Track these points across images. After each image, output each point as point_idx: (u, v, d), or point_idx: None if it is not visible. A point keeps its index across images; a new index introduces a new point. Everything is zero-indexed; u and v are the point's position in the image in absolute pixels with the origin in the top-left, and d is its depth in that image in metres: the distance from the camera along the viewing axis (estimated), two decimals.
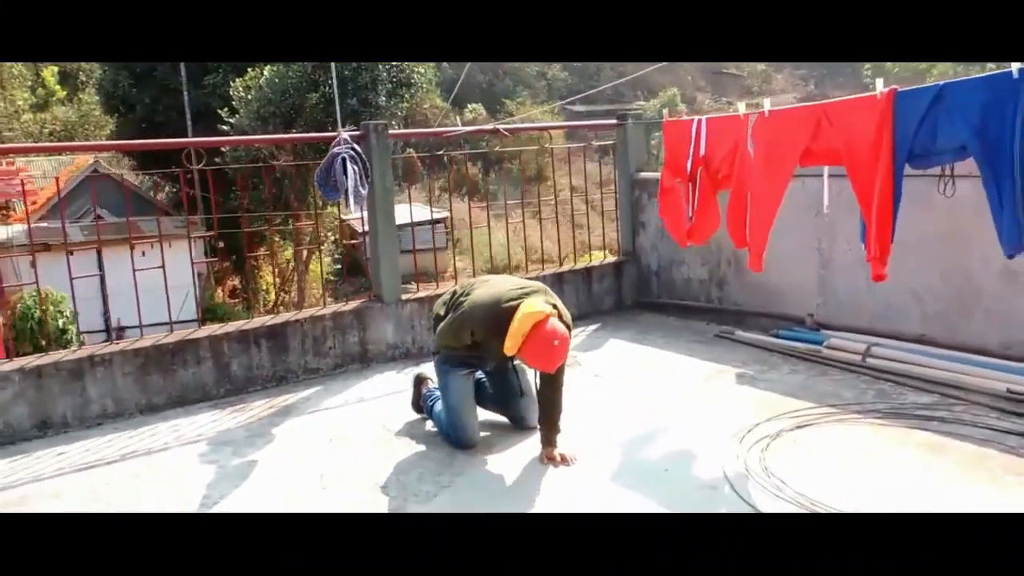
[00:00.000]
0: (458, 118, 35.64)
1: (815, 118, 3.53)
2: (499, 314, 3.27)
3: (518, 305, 3.24)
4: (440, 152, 8.20)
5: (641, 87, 40.12)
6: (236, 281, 24.33)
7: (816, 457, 3.27)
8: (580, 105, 35.49)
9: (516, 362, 3.62)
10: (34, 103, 28.70)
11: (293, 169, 16.87)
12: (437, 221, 22.53)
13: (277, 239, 21.03)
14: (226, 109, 18.59)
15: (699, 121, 4.26)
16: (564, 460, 3.34)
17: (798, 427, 3.61)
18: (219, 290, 23.68)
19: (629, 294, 6.09)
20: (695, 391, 4.20)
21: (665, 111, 4.35)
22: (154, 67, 20.33)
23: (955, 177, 3.30)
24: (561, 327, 3.18)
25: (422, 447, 3.61)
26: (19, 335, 14.20)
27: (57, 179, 13.94)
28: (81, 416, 4.05)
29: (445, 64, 36.26)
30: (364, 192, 4.41)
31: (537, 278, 5.55)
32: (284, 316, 4.75)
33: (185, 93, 20.30)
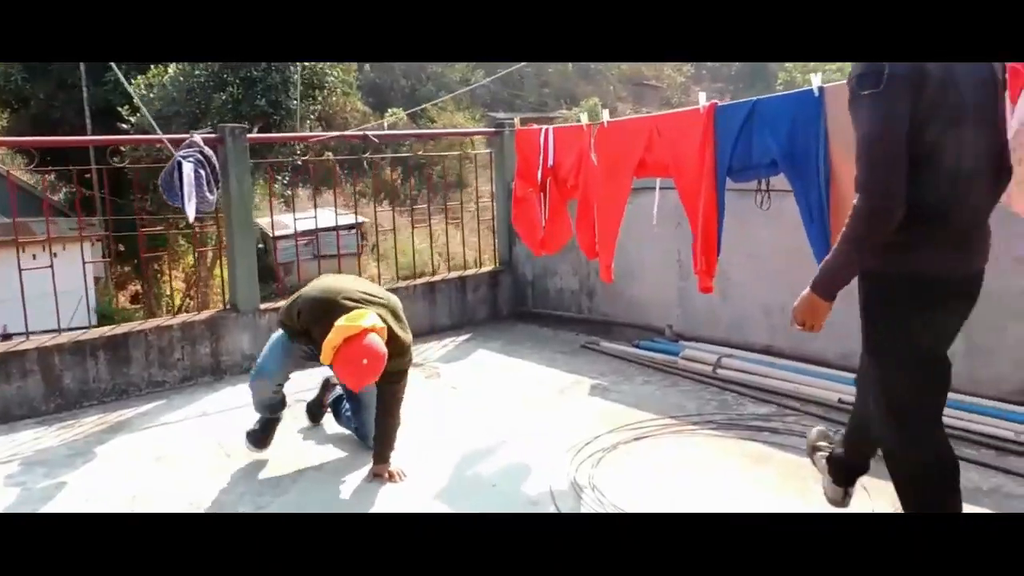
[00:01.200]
0: (384, 121, 35.23)
1: (648, 130, 3.54)
2: (327, 307, 3.13)
3: (349, 310, 3.09)
4: (359, 156, 8.04)
5: (564, 96, 40.49)
6: (138, 286, 23.45)
7: (644, 470, 3.26)
8: (503, 113, 35.59)
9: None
10: None
11: None
12: (352, 226, 22.21)
13: (181, 242, 20.39)
14: (126, 107, 17.92)
15: (547, 131, 4.25)
16: (392, 477, 3.24)
17: (636, 439, 3.61)
18: (119, 295, 22.78)
19: (505, 304, 6.05)
20: (546, 403, 4.16)
21: (584, 116, 4.30)
22: (52, 62, 19.46)
23: (771, 191, 3.35)
24: (376, 346, 2.99)
25: (252, 466, 3.46)
26: None
27: None
28: None
29: (367, 66, 35.90)
30: (212, 197, 4.23)
31: (408, 288, 5.48)
32: (126, 326, 4.53)
33: (84, 89, 19.48)
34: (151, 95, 17.17)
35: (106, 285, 21.33)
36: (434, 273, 5.88)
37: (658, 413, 3.89)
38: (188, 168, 3.89)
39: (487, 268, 6.08)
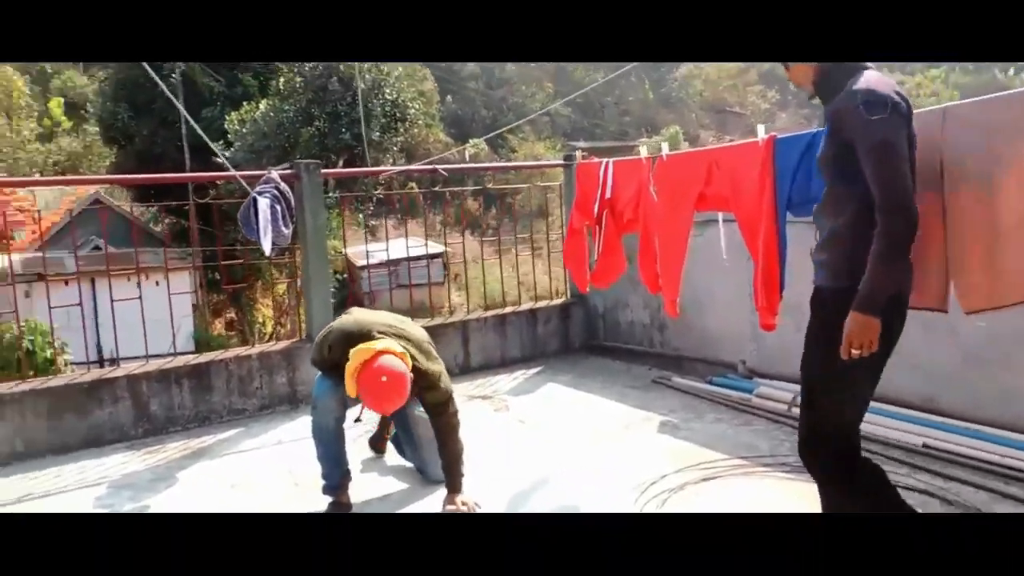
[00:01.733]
0: (466, 151, 35.89)
1: (707, 163, 3.50)
2: (353, 339, 3.14)
3: (371, 339, 3.12)
4: (441, 188, 8.25)
5: (644, 124, 40.30)
6: (233, 314, 24.38)
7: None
8: (584, 142, 35.67)
9: (418, 411, 3.53)
10: (40, 133, 29.12)
11: None
12: (433, 256, 22.61)
13: (274, 272, 21.17)
14: (221, 142, 18.76)
15: (607, 164, 4.24)
16: (466, 506, 3.25)
17: (704, 479, 3.52)
18: (215, 322, 23.72)
19: (577, 337, 6.03)
20: (613, 438, 4.11)
21: (665, 146, 4.30)
22: (153, 99, 20.60)
23: None
24: (394, 365, 2.99)
25: (320, 495, 3.53)
26: (4, 365, 14.23)
27: (37, 215, 13.98)
28: None
29: (449, 98, 36.64)
30: (287, 231, 4.39)
31: (479, 320, 5.53)
32: (208, 355, 4.72)
33: (183, 126, 20.53)
34: (243, 130, 17.97)
35: (204, 313, 22.22)
36: (518, 303, 5.90)
37: (729, 453, 3.79)
38: (263, 203, 4.06)
39: (558, 300, 6.08)
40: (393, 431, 3.92)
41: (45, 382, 4.22)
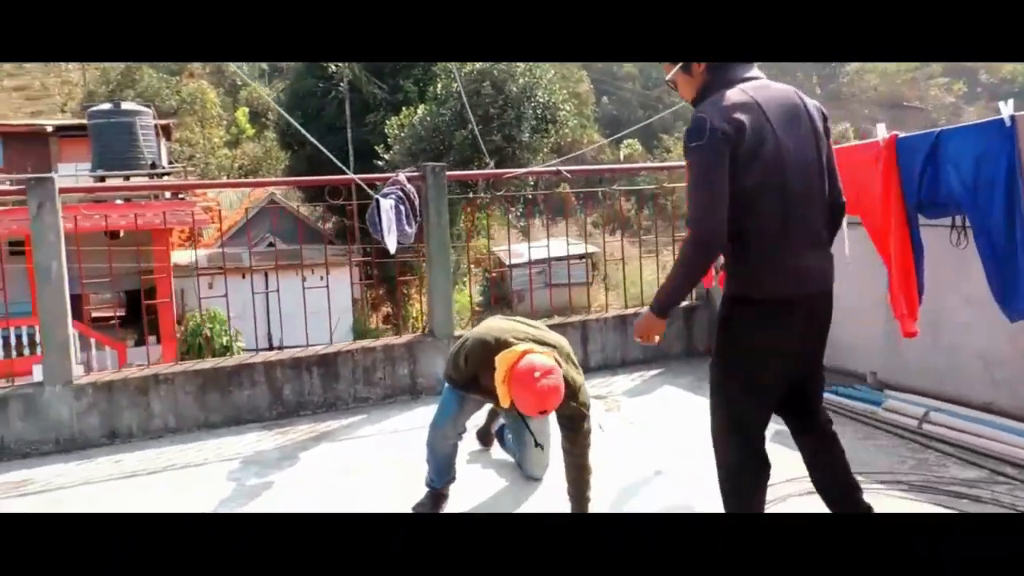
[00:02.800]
0: (621, 153, 35.73)
1: None
2: (494, 348, 3.06)
3: (510, 346, 3.04)
4: (595, 188, 8.34)
5: None
6: (389, 308, 25.61)
7: None
8: None
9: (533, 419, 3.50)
10: (228, 140, 31.87)
11: None
12: (582, 256, 22.67)
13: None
14: (381, 146, 19.73)
15: None
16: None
17: (810, 492, 3.35)
18: (374, 316, 25.01)
19: (701, 340, 5.89)
20: None
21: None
22: (323, 107, 22.07)
23: (967, 228, 2.98)
24: (543, 362, 2.88)
25: (411, 483, 3.67)
26: (189, 349, 15.75)
27: (218, 214, 15.26)
28: (145, 428, 4.49)
29: (604, 99, 36.60)
30: (410, 230, 4.60)
31: (600, 321, 5.53)
32: (337, 346, 5.02)
33: (349, 131, 21.82)
34: (402, 134, 18.83)
35: (363, 306, 23.45)
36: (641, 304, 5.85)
37: None
38: (385, 204, 4.27)
39: (683, 303, 5.95)
40: (499, 423, 4.00)
41: (194, 365, 4.67)
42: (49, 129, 20.12)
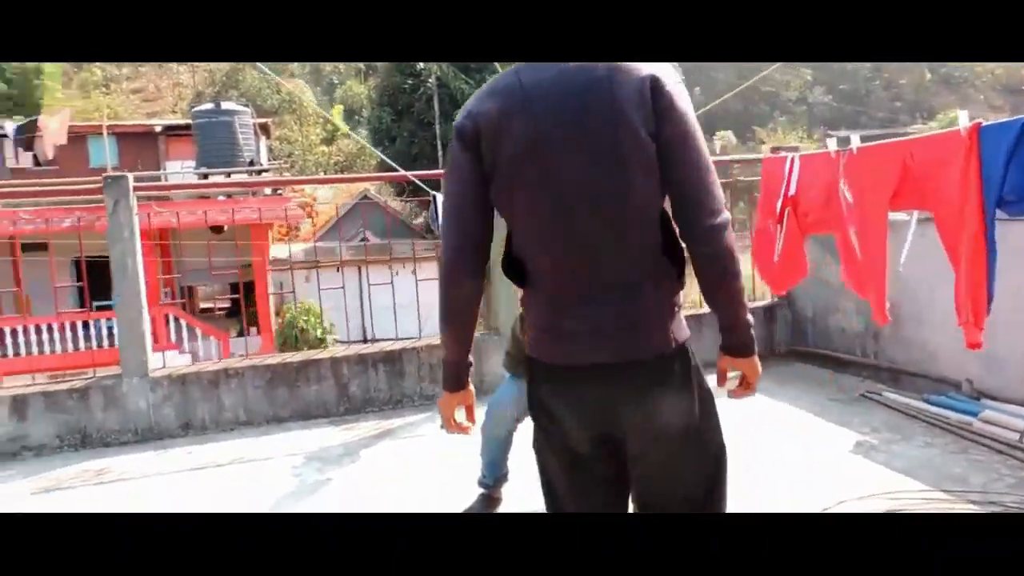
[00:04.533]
0: (716, 144, 34.85)
1: (901, 157, 3.03)
2: None
3: None
4: None
5: (920, 109, 36.39)
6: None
7: None
8: (845, 131, 33.03)
9: None
10: (325, 137, 32.80)
11: None
12: None
13: None
14: None
15: (792, 158, 3.84)
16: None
17: (889, 512, 3.10)
18: None
19: (782, 341, 5.60)
20: (796, 455, 3.76)
21: (856, 138, 3.89)
22: (412, 103, 22.38)
23: None
24: None
25: (464, 484, 3.60)
26: (285, 341, 16.28)
27: (313, 209, 15.66)
28: (217, 421, 4.59)
29: (697, 90, 35.67)
30: None
31: None
32: (402, 343, 5.01)
33: (438, 126, 22.05)
34: None
35: None
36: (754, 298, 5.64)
37: (930, 484, 3.30)
38: (441, 199, 4.22)
39: (762, 301, 5.68)
40: None
41: (263, 359, 4.76)
42: (158, 129, 21.17)
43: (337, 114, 32.90)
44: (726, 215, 1.55)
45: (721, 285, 1.60)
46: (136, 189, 4.43)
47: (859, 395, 4.62)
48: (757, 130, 33.07)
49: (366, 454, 4.15)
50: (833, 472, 3.52)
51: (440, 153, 22.07)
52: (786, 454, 3.79)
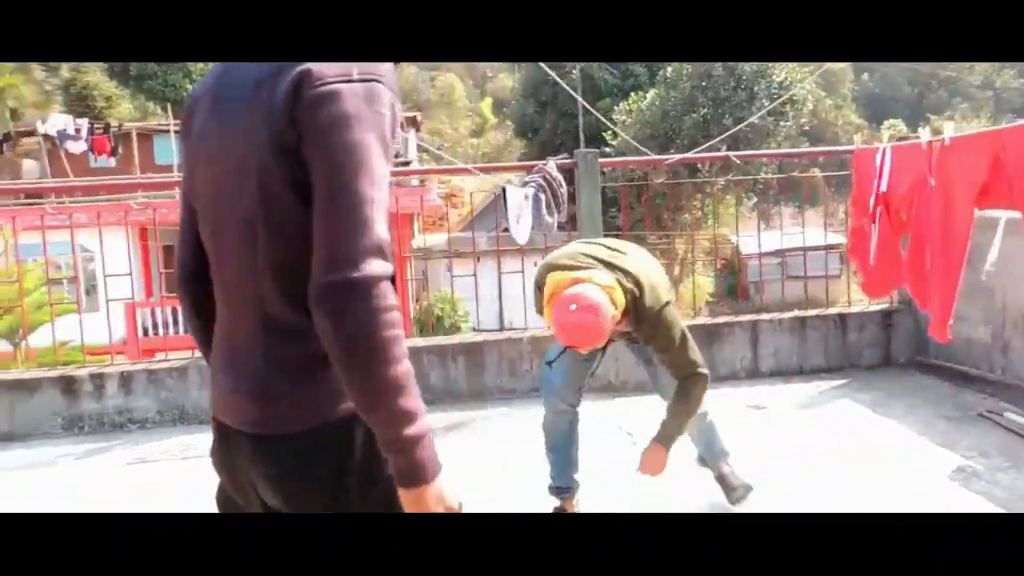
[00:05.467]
0: (884, 135, 32.39)
1: (991, 149, 2.61)
2: (546, 268, 2.77)
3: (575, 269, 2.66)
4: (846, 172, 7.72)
5: None
6: None
7: None
8: None
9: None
10: (473, 130, 33.52)
11: (668, 189, 17.21)
12: (831, 247, 20.93)
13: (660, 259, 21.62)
14: (609, 132, 19.60)
15: (883, 150, 3.41)
16: (652, 466, 2.78)
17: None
18: None
19: (902, 350, 5.08)
20: (875, 481, 3.37)
21: (950, 127, 3.46)
22: (556, 95, 22.34)
23: None
24: (587, 294, 2.50)
25: (529, 486, 3.50)
26: (422, 328, 16.83)
27: (452, 200, 16.02)
28: None
29: (865, 76, 33.29)
30: (551, 220, 4.42)
31: (772, 322, 4.99)
32: (482, 336, 4.98)
33: (580, 117, 21.92)
34: (628, 120, 18.54)
35: None
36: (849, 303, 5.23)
37: None
38: (512, 193, 4.13)
39: (879, 306, 5.17)
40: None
41: None
42: None
43: (486, 107, 33.51)
44: (369, 269, 1.10)
45: (348, 376, 1.13)
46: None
47: (977, 414, 4.10)
48: (932, 118, 30.40)
49: (437, 444, 4.14)
50: (924, 499, 3.14)
51: (583, 144, 21.93)
52: (869, 477, 3.42)
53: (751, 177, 15.28)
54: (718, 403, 4.50)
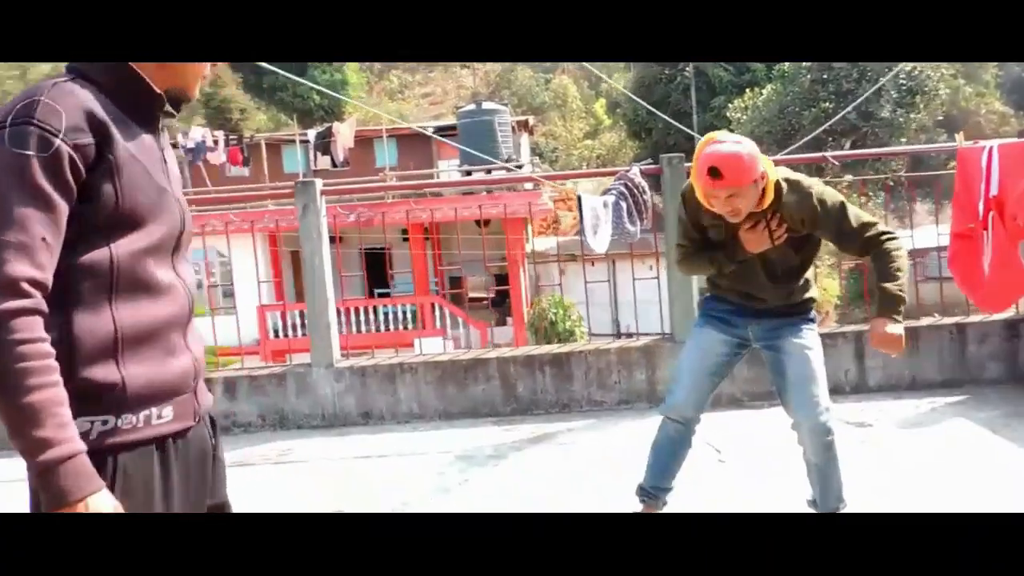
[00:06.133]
0: None
1: None
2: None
3: None
4: None
5: None
6: None
7: None
8: None
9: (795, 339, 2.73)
10: (587, 131, 33.35)
11: None
12: None
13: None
14: (724, 130, 19.04)
15: (990, 150, 3.08)
16: (890, 344, 2.45)
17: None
18: None
19: None
20: (978, 506, 3.08)
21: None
22: (669, 94, 21.93)
23: None
24: (725, 139, 2.45)
25: (607, 504, 3.43)
26: (536, 331, 16.89)
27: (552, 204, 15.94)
28: (394, 412, 4.85)
29: (1012, 63, 30.71)
30: (633, 228, 4.31)
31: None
32: (569, 346, 4.92)
33: (694, 116, 21.39)
34: (744, 117, 17.93)
35: None
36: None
37: None
38: (588, 202, 4.04)
39: (1003, 315, 4.73)
40: None
41: (434, 356, 4.93)
42: (430, 131, 22.89)
43: (600, 108, 33.27)
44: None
45: None
46: (323, 193, 4.81)
47: None
48: None
49: (515, 457, 4.13)
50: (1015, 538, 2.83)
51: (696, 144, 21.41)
52: (984, 508, 3.13)
53: (877, 177, 14.45)
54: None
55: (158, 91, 1.39)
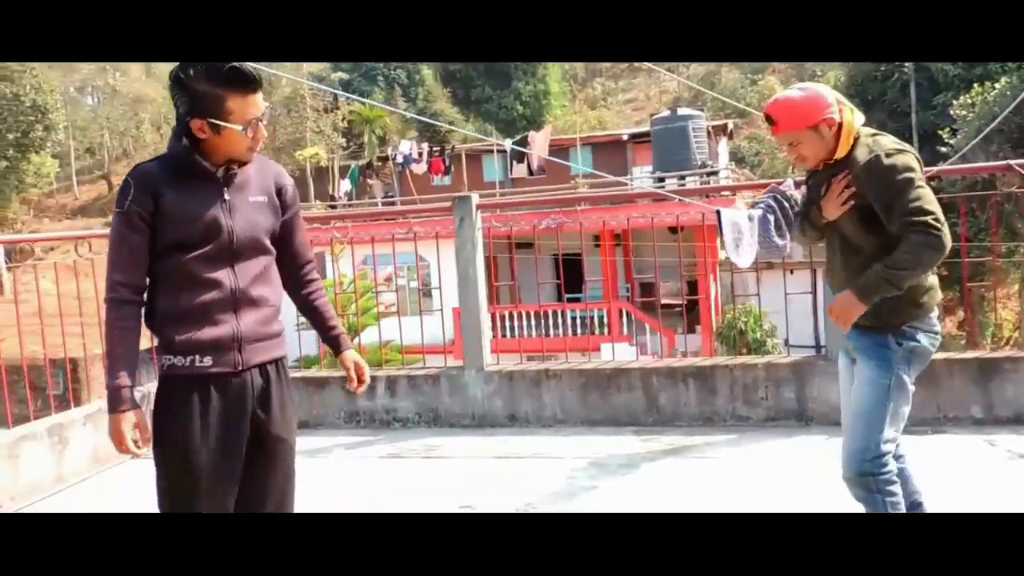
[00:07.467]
0: None
1: None
2: None
3: None
4: None
5: None
6: (961, 313, 22.45)
7: None
8: None
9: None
10: None
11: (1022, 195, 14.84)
12: None
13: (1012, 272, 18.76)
14: (947, 130, 17.46)
15: None
16: (837, 315, 2.42)
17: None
18: (946, 320, 22.32)
19: None
20: None
21: None
22: (884, 91, 20.33)
23: None
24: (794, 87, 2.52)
25: None
26: (723, 341, 16.42)
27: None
28: (539, 416, 5.01)
29: None
30: (782, 243, 4.13)
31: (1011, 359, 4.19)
32: (713, 360, 4.81)
33: (913, 115, 19.71)
34: (970, 114, 16.29)
35: None
36: None
37: None
38: (727, 216, 3.92)
39: None
40: None
41: (578, 364, 5.03)
42: (624, 137, 22.94)
43: None
44: (107, 296, 2.08)
45: None
46: (479, 207, 5.07)
47: None
48: None
49: (646, 468, 4.14)
50: None
51: (916, 143, 19.71)
52: None
53: None
54: (978, 451, 3.94)
55: (203, 164, 2.02)
